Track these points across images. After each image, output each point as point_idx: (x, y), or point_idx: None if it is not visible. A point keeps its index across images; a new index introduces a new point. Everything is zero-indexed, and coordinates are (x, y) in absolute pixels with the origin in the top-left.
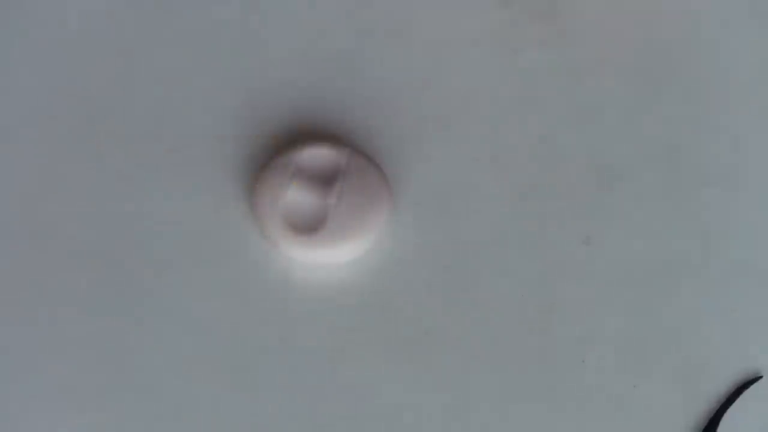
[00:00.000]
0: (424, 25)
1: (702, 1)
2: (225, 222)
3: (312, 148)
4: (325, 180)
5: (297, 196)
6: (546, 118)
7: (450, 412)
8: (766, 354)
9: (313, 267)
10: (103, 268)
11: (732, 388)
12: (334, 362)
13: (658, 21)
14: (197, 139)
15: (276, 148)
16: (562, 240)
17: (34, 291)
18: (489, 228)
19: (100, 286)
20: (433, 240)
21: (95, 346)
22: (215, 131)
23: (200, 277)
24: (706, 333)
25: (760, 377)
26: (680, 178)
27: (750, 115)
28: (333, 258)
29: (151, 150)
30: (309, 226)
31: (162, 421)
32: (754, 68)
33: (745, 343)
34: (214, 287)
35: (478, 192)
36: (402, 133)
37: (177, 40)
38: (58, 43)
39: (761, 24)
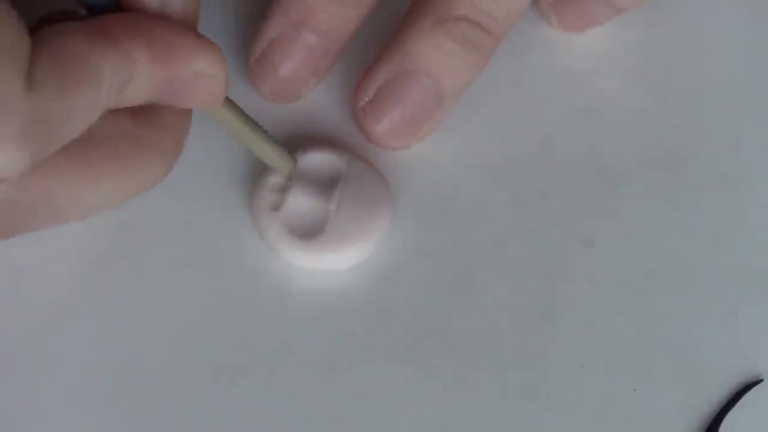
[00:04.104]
0: None
1: (704, 3)
2: (224, 227)
3: (312, 153)
4: (326, 185)
5: (297, 202)
6: (547, 120)
7: (451, 416)
8: (767, 357)
9: (312, 273)
10: (101, 273)
11: (732, 391)
12: (334, 369)
13: (661, 23)
14: (196, 143)
15: None
16: (563, 242)
17: (33, 291)
18: (490, 232)
19: (98, 290)
20: (434, 245)
21: (92, 349)
22: (215, 135)
23: (198, 283)
24: (707, 336)
25: (761, 380)
26: (682, 180)
27: (752, 118)
28: (333, 264)
29: None
30: (309, 232)
31: (159, 426)
32: (756, 71)
33: (746, 346)
34: (213, 293)
35: (479, 196)
36: None
37: None
38: None
39: (763, 25)
